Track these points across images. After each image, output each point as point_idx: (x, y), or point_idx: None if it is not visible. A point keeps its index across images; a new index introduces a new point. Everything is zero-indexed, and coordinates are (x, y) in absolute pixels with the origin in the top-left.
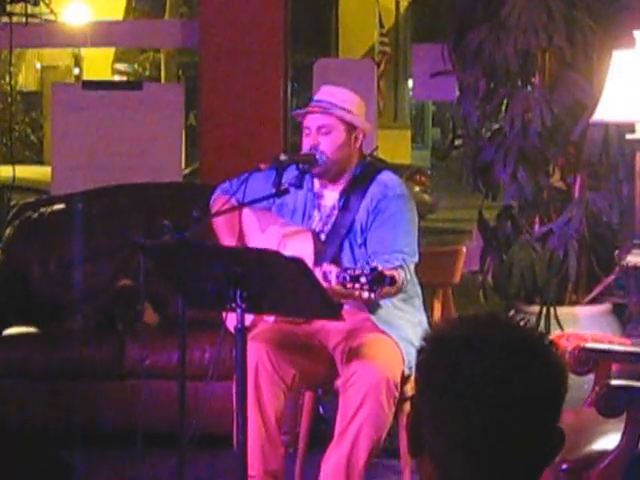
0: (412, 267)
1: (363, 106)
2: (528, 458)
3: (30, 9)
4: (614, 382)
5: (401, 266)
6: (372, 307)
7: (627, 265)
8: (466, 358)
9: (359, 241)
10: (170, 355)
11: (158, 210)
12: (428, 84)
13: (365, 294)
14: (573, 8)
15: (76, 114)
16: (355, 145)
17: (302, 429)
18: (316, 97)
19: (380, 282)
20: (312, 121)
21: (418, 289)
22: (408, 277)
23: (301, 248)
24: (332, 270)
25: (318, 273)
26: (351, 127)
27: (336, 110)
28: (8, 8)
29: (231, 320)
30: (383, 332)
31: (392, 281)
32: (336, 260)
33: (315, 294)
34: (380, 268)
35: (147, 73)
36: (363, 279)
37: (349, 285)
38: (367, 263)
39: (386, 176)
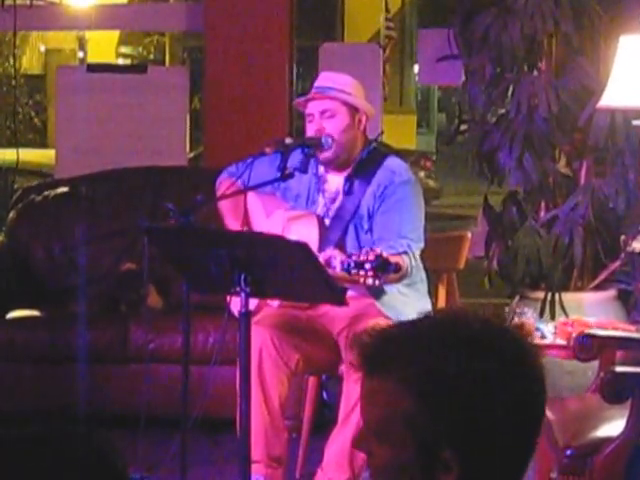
0: (417, 253)
1: (362, 89)
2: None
3: None
4: (619, 369)
5: (405, 252)
6: (376, 292)
7: (633, 251)
8: (418, 355)
9: (365, 227)
10: (174, 339)
11: (163, 194)
12: (434, 69)
13: (369, 281)
14: None
15: (81, 97)
16: (359, 128)
17: (306, 414)
18: (316, 84)
19: (385, 269)
20: (314, 107)
21: (423, 274)
22: (413, 263)
23: (306, 233)
24: (336, 256)
25: (322, 259)
26: (354, 110)
27: (337, 93)
28: None
29: (235, 304)
30: (387, 317)
31: (397, 268)
32: (340, 245)
33: (319, 279)
34: (385, 255)
35: (152, 56)
36: (367, 265)
37: (353, 271)
38: (371, 249)
39: (393, 162)
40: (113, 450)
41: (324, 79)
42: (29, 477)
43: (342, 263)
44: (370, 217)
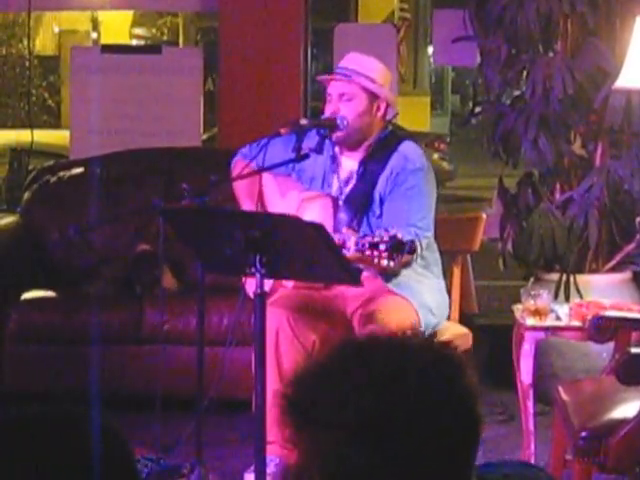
0: (425, 242)
1: (389, 76)
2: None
3: None
4: (634, 350)
5: (412, 240)
6: (392, 275)
7: None
8: (334, 396)
9: (377, 212)
10: (189, 320)
11: (177, 175)
12: (449, 50)
13: (384, 262)
14: None
15: (95, 78)
16: (377, 114)
17: None
18: (341, 64)
19: (400, 250)
20: (334, 88)
21: (437, 256)
22: (419, 252)
23: (320, 214)
24: (351, 237)
25: (336, 239)
26: (373, 96)
27: (359, 78)
28: None
29: (250, 285)
30: (402, 297)
31: (412, 248)
32: (352, 229)
33: (334, 260)
34: (400, 236)
35: (165, 38)
36: (382, 246)
37: (368, 252)
38: (386, 230)
39: (407, 147)
40: (119, 430)
41: (350, 60)
42: (35, 458)
43: (357, 244)
44: (382, 202)
